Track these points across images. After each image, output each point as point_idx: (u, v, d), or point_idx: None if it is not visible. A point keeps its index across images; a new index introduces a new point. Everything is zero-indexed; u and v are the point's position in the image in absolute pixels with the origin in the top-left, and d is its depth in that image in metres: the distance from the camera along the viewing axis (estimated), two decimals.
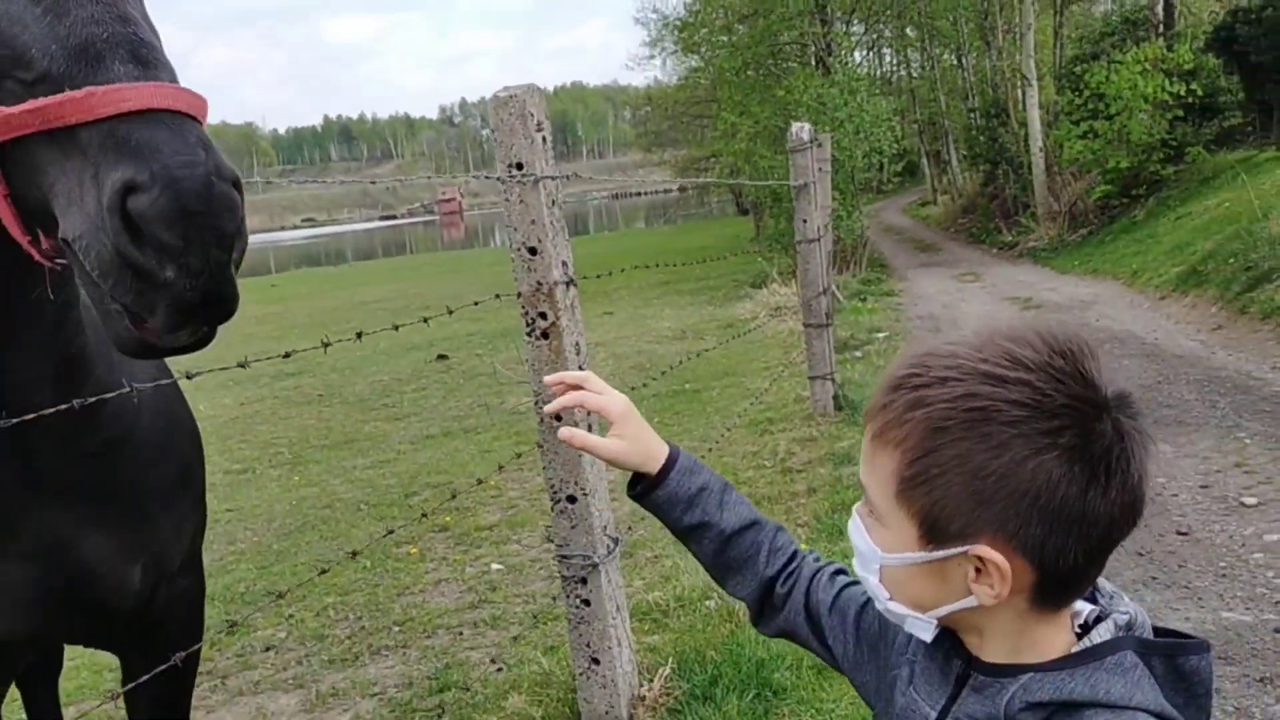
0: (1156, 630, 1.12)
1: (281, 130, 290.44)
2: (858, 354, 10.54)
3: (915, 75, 39.63)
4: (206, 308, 1.24)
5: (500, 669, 4.21)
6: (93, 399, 1.75)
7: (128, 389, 1.82)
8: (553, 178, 3.22)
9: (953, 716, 1.14)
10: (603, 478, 3.41)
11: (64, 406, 1.70)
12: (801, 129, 7.41)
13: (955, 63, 34.21)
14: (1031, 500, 1.02)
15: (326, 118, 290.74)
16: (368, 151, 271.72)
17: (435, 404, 11.69)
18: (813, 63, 27.31)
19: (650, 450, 1.50)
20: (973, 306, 14.18)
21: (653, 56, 51.48)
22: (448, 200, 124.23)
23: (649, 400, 9.69)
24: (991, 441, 1.03)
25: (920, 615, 1.14)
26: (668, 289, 21.14)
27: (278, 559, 6.36)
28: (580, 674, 3.37)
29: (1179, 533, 4.96)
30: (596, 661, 3.33)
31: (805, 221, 7.45)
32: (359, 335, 3.09)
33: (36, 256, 1.40)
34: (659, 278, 22.78)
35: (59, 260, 1.38)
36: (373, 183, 3.89)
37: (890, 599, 1.15)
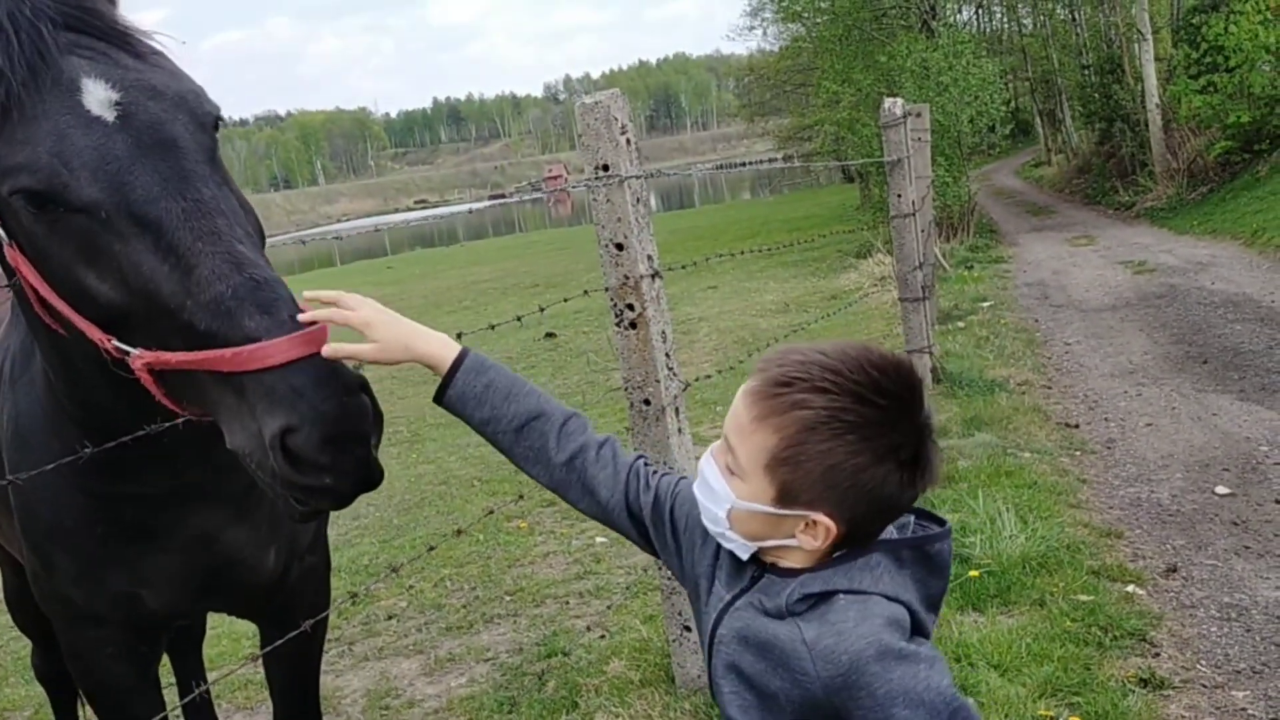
0: (918, 512, 1.53)
1: (393, 114, 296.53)
2: (960, 324, 10.50)
3: (1026, 32, 38.51)
4: (358, 492, 1.57)
5: (603, 636, 4.47)
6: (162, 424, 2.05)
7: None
8: (637, 177, 3.42)
9: (744, 601, 1.51)
10: (690, 457, 3.62)
11: (165, 425, 2.00)
12: (895, 104, 7.44)
13: (1068, 18, 33.14)
14: (868, 493, 1.40)
15: (435, 100, 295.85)
16: (475, 132, 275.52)
17: (543, 381, 12.03)
18: (916, 26, 26.81)
19: (416, 349, 1.72)
20: (1084, 272, 13.91)
21: (754, 26, 51.10)
22: (554, 177, 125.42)
23: (713, 375, 9.84)
24: (851, 447, 1.39)
25: (747, 543, 1.49)
26: (771, 261, 21.14)
27: (398, 533, 6.75)
28: (673, 640, 3.60)
29: (1277, 501, 4.95)
30: (688, 629, 3.55)
31: (900, 196, 7.49)
32: (492, 327, 3.36)
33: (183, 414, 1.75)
34: (764, 250, 22.77)
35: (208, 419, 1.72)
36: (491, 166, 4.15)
37: (730, 529, 1.49)
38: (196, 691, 2.99)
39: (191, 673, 3.74)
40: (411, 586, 5.62)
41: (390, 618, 5.22)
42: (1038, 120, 41.72)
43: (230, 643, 5.13)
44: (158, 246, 1.60)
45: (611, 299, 3.46)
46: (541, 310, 3.73)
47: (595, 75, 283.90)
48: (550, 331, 15.82)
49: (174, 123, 1.70)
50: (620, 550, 5.69)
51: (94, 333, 1.68)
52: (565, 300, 4.27)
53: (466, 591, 5.43)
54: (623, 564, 5.46)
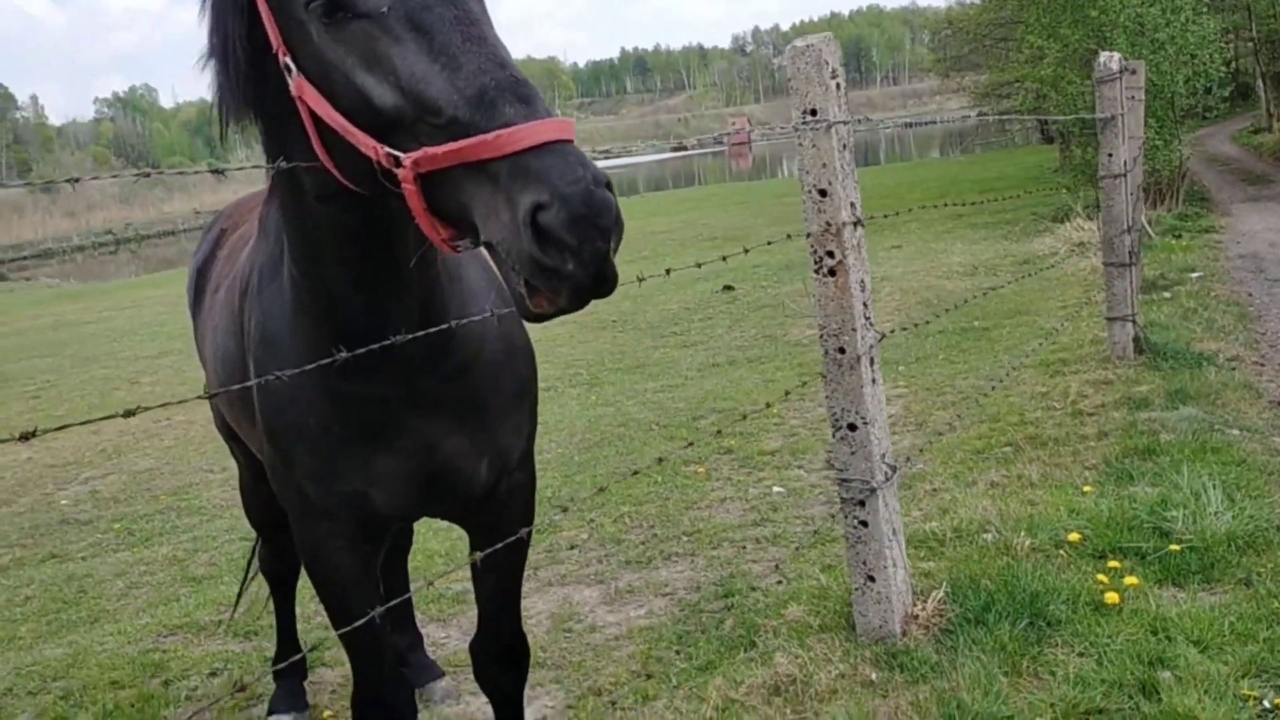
0: None
1: (580, 64, 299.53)
2: (1166, 294, 9.96)
3: None
4: (596, 287, 1.63)
5: (780, 581, 4.51)
6: (441, 326, 2.30)
7: (482, 313, 2.32)
8: (844, 123, 3.39)
9: None
10: (882, 409, 3.60)
11: (421, 333, 2.24)
12: (1110, 58, 7.08)
13: None
14: None
15: (623, 50, 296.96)
16: (660, 83, 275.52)
17: (721, 333, 12.09)
18: None
19: None
20: None
21: None
22: (737, 130, 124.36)
23: (934, 337, 9.64)
24: None
25: None
26: (960, 222, 20.48)
27: (579, 469, 6.95)
28: (856, 589, 3.61)
29: None
30: (872, 579, 3.55)
31: (1111, 156, 7.14)
32: (668, 271, 3.42)
33: (446, 249, 1.84)
34: (951, 210, 22.07)
35: (459, 243, 1.81)
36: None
37: None
38: (409, 595, 3.18)
39: (396, 582, 3.98)
40: (592, 520, 5.79)
41: (572, 548, 5.40)
42: (1260, 83, 38.72)
43: (425, 559, 5.42)
44: (431, 48, 1.73)
45: (812, 245, 3.45)
46: (724, 259, 3.75)
47: (785, 27, 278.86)
48: (728, 284, 15.81)
49: None
50: (798, 500, 5.71)
51: (367, 142, 1.80)
52: (745, 251, 4.27)
53: (645, 529, 5.55)
54: (800, 514, 5.47)
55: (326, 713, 4.01)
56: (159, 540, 6.86)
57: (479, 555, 2.45)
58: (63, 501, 8.27)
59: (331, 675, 4.33)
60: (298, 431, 2.38)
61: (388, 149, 1.77)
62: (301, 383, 2.25)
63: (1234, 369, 7.03)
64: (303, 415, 2.36)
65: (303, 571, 3.96)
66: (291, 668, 4.01)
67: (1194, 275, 11.07)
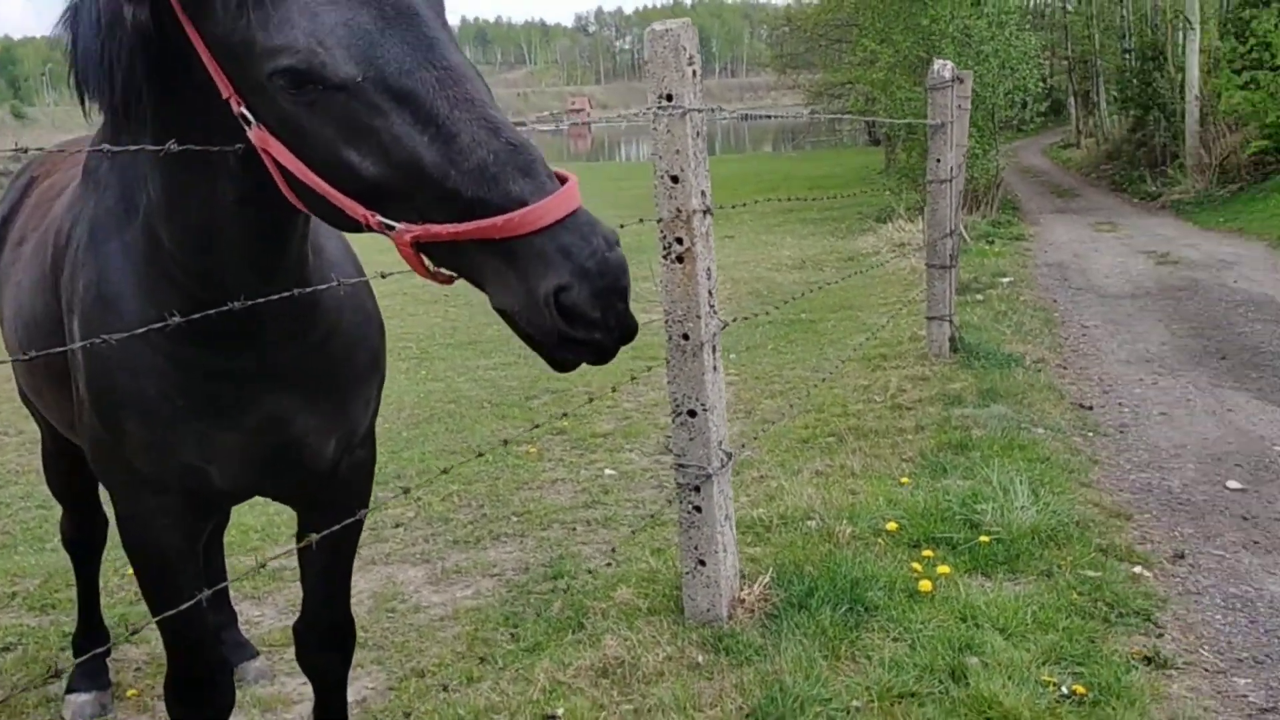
0: None
1: None
2: (979, 297, 10.49)
3: (1069, 9, 37.95)
4: (621, 345, 1.65)
5: (610, 564, 4.52)
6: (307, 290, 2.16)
7: (334, 283, 2.23)
8: (700, 110, 3.40)
9: None
10: (721, 396, 3.65)
11: (286, 294, 2.10)
12: (944, 66, 7.37)
13: None
14: None
15: (463, 19, 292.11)
16: (501, 56, 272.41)
17: None
18: None
19: None
20: (1105, 258, 13.85)
21: None
22: (576, 110, 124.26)
23: (764, 328, 9.85)
24: None
25: None
26: (790, 216, 21.05)
27: (407, 445, 6.79)
28: (686, 573, 3.64)
29: None
30: (703, 563, 3.59)
31: (939, 161, 7.45)
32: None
33: (437, 283, 1.81)
34: (782, 205, 22.66)
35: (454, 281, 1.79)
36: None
37: None
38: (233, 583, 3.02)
39: (214, 558, 3.79)
40: (419, 499, 5.66)
41: (397, 526, 5.27)
42: (1071, 101, 41.26)
43: (239, 534, 5.18)
44: (416, 117, 1.62)
45: (662, 231, 3.45)
46: (622, 227, 3.70)
47: (628, 10, 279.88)
48: None
49: None
50: (629, 483, 5.74)
51: (356, 210, 1.70)
52: (620, 225, 4.24)
53: (474, 509, 5.47)
54: (631, 497, 5.50)
55: (131, 691, 3.79)
56: None
57: (316, 537, 2.33)
58: None
59: (136, 653, 4.09)
60: (131, 401, 2.20)
61: (380, 218, 1.68)
62: (142, 350, 2.09)
63: (1040, 371, 7.46)
64: (140, 384, 2.19)
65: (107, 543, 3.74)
66: (93, 644, 3.77)
67: (1005, 280, 11.70)
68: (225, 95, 1.78)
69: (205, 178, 1.94)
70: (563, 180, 1.64)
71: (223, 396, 2.20)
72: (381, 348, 2.57)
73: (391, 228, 1.67)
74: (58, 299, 2.36)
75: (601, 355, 1.64)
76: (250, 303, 2.00)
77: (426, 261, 1.71)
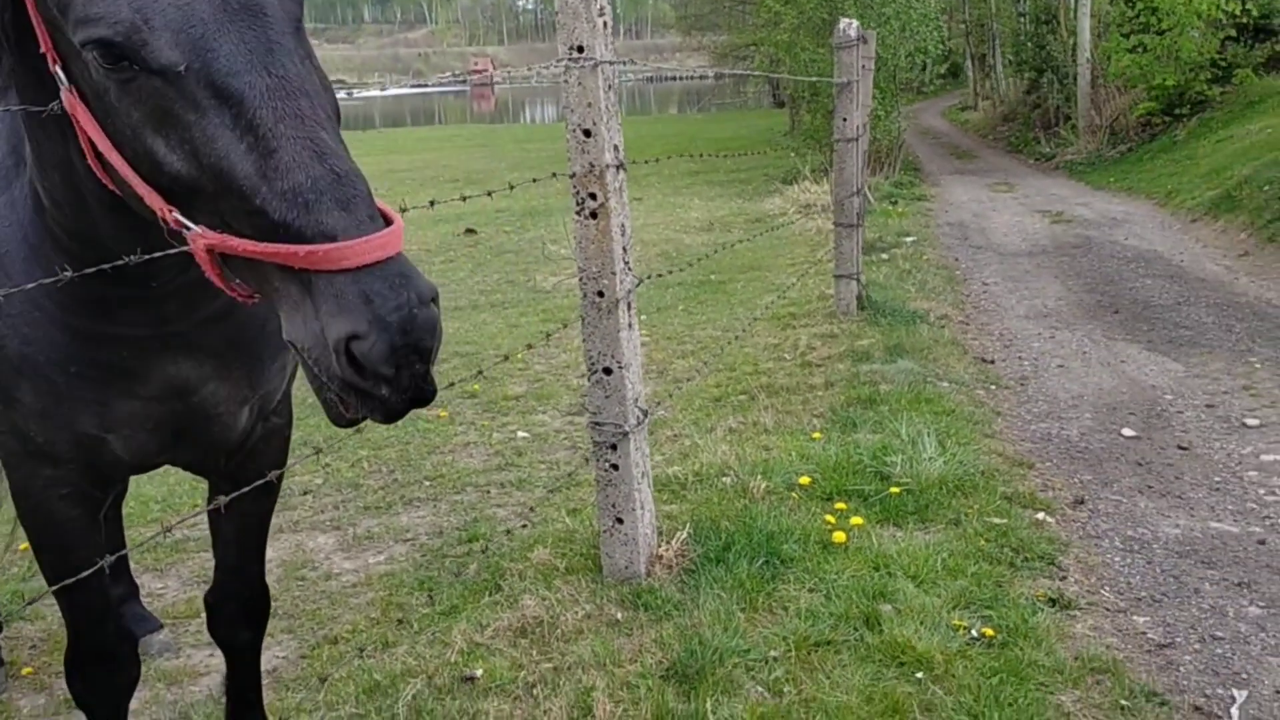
0: None
1: None
2: (884, 256, 10.64)
3: None
4: (412, 407, 1.53)
5: (525, 525, 4.49)
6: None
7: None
8: (611, 63, 3.35)
9: None
10: (637, 354, 3.63)
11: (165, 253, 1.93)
12: (849, 25, 7.41)
13: None
14: None
15: None
16: (400, 15, 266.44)
17: (463, 277, 11.89)
18: None
19: None
20: (1003, 217, 14.18)
21: None
22: (480, 71, 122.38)
23: (674, 289, 9.86)
24: None
25: None
26: (698, 179, 21.07)
27: (312, 411, 6.62)
28: (604, 531, 3.63)
29: (1179, 447, 5.17)
30: (620, 521, 3.59)
31: (845, 120, 7.50)
32: (402, 210, 3.27)
33: (239, 299, 1.70)
34: (689, 167, 22.67)
35: (254, 298, 1.68)
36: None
37: None
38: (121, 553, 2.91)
39: (113, 528, 3.65)
40: (328, 465, 5.55)
41: (305, 493, 5.16)
42: (969, 64, 42.02)
43: (139, 505, 5.02)
44: (236, 123, 1.49)
45: (575, 187, 3.41)
46: (464, 199, 3.66)
47: None
48: (470, 228, 15.56)
49: None
50: (542, 445, 5.70)
51: (154, 200, 1.58)
52: (489, 194, 4.17)
53: (385, 474, 5.38)
54: (545, 459, 5.47)
55: (26, 669, 3.65)
56: None
57: (224, 500, 2.23)
58: None
59: (31, 629, 3.94)
60: (22, 366, 2.07)
61: (179, 215, 1.57)
62: (31, 313, 1.96)
63: (943, 327, 7.61)
64: (30, 350, 2.05)
65: None
66: None
67: (909, 240, 11.90)
68: (41, 49, 1.66)
69: (58, 134, 1.80)
70: (388, 221, 1.53)
71: (120, 364, 2.08)
72: None
73: (188, 228, 1.56)
74: None
75: (388, 414, 1.53)
76: (132, 261, 1.84)
77: (225, 270, 1.60)
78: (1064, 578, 3.80)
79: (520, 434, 5.93)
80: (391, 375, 1.45)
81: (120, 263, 1.83)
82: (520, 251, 13.41)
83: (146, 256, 1.85)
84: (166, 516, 4.91)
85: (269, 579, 4.12)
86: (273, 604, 3.85)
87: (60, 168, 1.86)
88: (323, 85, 1.63)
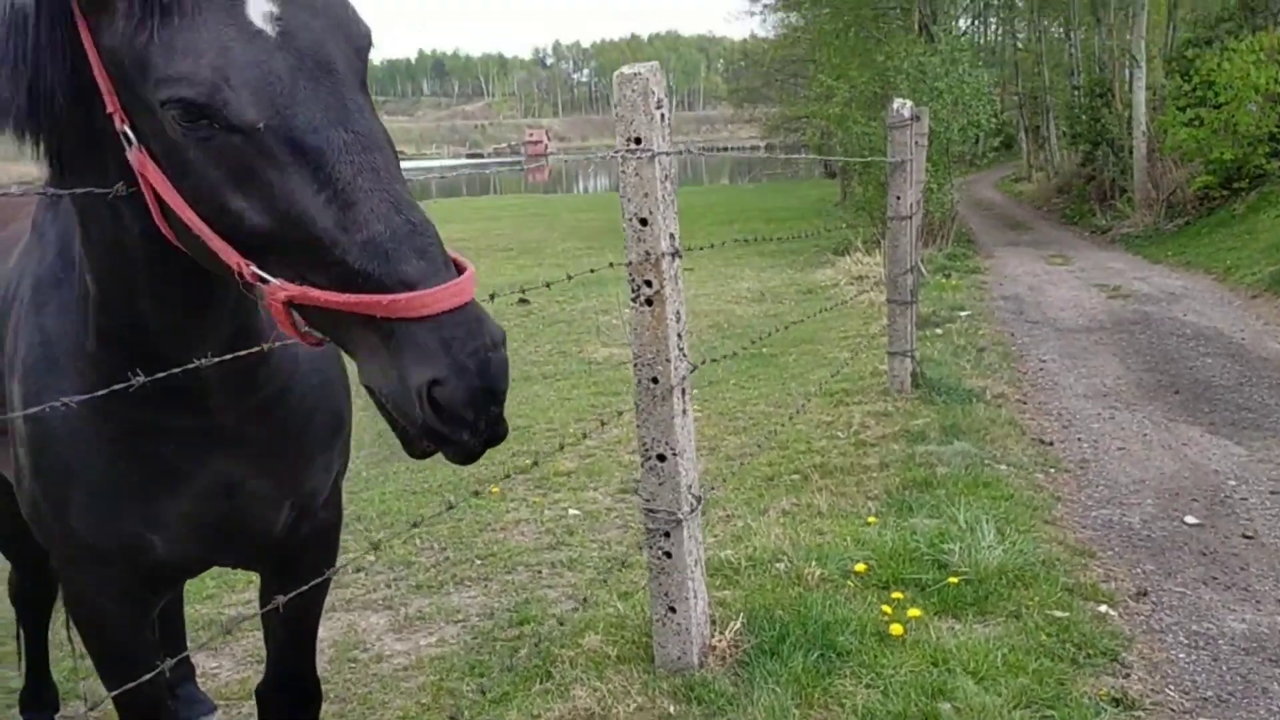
0: None
1: (376, 61, 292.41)
2: (938, 331, 10.57)
3: (1020, 47, 38.75)
4: (487, 448, 1.59)
5: (576, 609, 4.46)
6: (250, 350, 2.05)
7: (276, 344, 2.10)
8: (667, 153, 3.39)
9: None
10: (691, 440, 3.62)
11: (229, 357, 1.98)
12: (903, 105, 7.45)
13: (1063, 37, 33.34)
14: None
15: (421, 51, 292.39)
16: (459, 88, 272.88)
17: (516, 348, 11.98)
18: (916, 28, 26.86)
19: None
20: (1059, 291, 14.04)
21: (752, 11, 50.87)
22: (535, 142, 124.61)
23: (725, 362, 9.86)
24: None
25: None
26: (749, 249, 21.13)
27: (367, 486, 6.69)
28: (657, 620, 3.59)
29: (1245, 536, 5.03)
30: (673, 610, 3.55)
31: (898, 198, 7.51)
32: (492, 296, 3.32)
33: (308, 345, 1.72)
34: (741, 237, 22.81)
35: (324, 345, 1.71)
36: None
37: None
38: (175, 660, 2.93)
39: (172, 616, 3.68)
40: (380, 541, 5.56)
41: (358, 570, 5.17)
42: (1022, 136, 42.03)
43: (194, 582, 5.05)
44: (316, 177, 1.53)
45: (631, 274, 3.43)
46: (569, 278, 3.71)
47: (586, 44, 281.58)
48: (524, 298, 15.73)
49: (333, 44, 1.63)
50: (594, 524, 5.68)
51: (230, 255, 1.61)
52: (591, 271, 4.22)
53: (436, 551, 5.39)
54: (596, 538, 5.45)
55: None
56: None
57: (282, 600, 2.24)
58: None
59: (85, 709, 3.96)
60: (72, 466, 2.10)
61: (255, 269, 1.59)
62: (82, 413, 1.98)
63: (1000, 406, 7.51)
64: (80, 448, 2.09)
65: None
66: (42, 702, 3.66)
67: (963, 314, 11.81)
68: (109, 109, 1.68)
69: (108, 215, 1.82)
70: (460, 269, 1.57)
71: (167, 459, 2.10)
72: (345, 410, 2.46)
73: (265, 281, 1.59)
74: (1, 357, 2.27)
75: (466, 456, 1.58)
76: (200, 362, 1.88)
77: (296, 319, 1.63)
78: (1128, 675, 3.69)
79: (572, 511, 5.92)
80: (471, 419, 1.50)
81: (192, 366, 1.87)
82: (572, 322, 13.52)
83: (217, 359, 1.89)
84: (222, 592, 4.95)
85: (321, 660, 4.13)
86: (325, 686, 3.84)
87: (110, 250, 1.88)
88: (387, 140, 1.67)
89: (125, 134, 1.66)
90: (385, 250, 1.51)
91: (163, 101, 1.56)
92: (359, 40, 1.70)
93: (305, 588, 2.37)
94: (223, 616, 4.69)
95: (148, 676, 2.05)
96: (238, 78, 1.53)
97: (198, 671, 4.03)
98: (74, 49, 1.69)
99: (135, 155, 1.66)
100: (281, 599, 2.16)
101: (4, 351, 2.26)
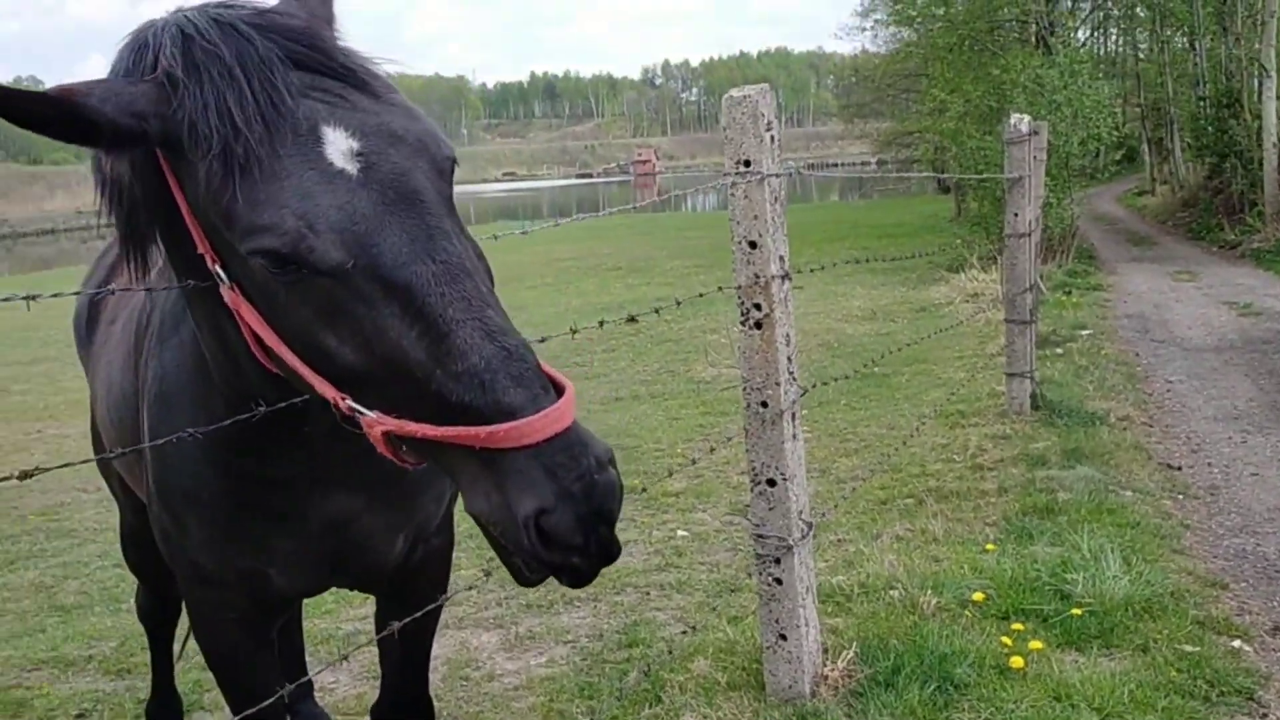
0: None
1: (490, 85, 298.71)
2: (1059, 350, 10.25)
3: (1142, 58, 37.47)
4: (599, 569, 1.56)
5: (685, 632, 4.43)
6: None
7: None
8: (777, 175, 3.36)
9: None
10: (801, 465, 3.57)
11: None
12: (1021, 121, 7.26)
13: (1187, 47, 32.09)
14: None
15: (532, 74, 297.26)
16: (569, 109, 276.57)
17: (624, 366, 12.04)
18: (1033, 41, 26.23)
19: None
20: (1186, 308, 13.49)
21: (864, 28, 50.43)
22: (643, 161, 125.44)
23: (836, 382, 9.73)
24: None
25: None
26: (860, 266, 20.82)
27: None
28: (767, 648, 3.54)
29: None
30: (784, 638, 3.50)
31: (1016, 215, 7.32)
32: (573, 332, 3.33)
33: (401, 463, 1.69)
34: (851, 254, 22.54)
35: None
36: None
37: None
38: (296, 682, 3.00)
39: (291, 634, 3.78)
40: (491, 559, 5.61)
41: (470, 588, 5.23)
42: (1145, 148, 40.60)
43: (313, 601, 5.18)
44: (406, 312, 1.52)
45: (740, 298, 3.41)
46: (678, 303, 3.70)
47: (694, 63, 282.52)
48: (632, 316, 15.77)
49: (416, 172, 1.61)
50: (702, 546, 5.65)
51: (326, 390, 1.62)
52: (700, 295, 4.21)
53: None
54: (705, 560, 5.41)
55: None
56: (25, 564, 6.46)
57: (397, 626, 2.27)
58: None
59: None
60: (190, 501, 2.17)
61: (351, 403, 1.59)
62: (196, 454, 2.04)
63: (1125, 429, 7.24)
64: (195, 486, 2.15)
65: None
66: (167, 715, 3.79)
67: (1084, 333, 11.43)
68: (200, 250, 1.69)
69: (212, 300, 1.81)
70: (559, 389, 1.54)
71: (278, 503, 2.15)
72: None
73: (361, 414, 1.58)
74: (138, 384, 2.37)
75: (578, 580, 1.55)
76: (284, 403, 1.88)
77: (396, 444, 1.62)
78: (1264, 715, 3.49)
79: (680, 532, 5.90)
80: (581, 544, 1.48)
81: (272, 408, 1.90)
82: (680, 341, 13.51)
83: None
84: (340, 608, 5.06)
85: (434, 677, 4.19)
86: (438, 704, 3.90)
87: (215, 331, 1.90)
88: (478, 256, 1.66)
89: (218, 273, 1.69)
90: (482, 381, 1.49)
91: (249, 252, 1.56)
92: (442, 163, 1.68)
93: (419, 613, 2.40)
94: (340, 631, 4.80)
95: (269, 701, 2.09)
96: (322, 223, 1.52)
97: (315, 686, 4.12)
98: (166, 200, 1.73)
99: (228, 293, 1.68)
100: (397, 625, 2.18)
101: (139, 378, 2.35)
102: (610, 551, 1.53)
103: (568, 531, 1.46)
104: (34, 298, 1.90)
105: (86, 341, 3.29)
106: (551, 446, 1.47)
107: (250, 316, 1.66)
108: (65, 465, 1.89)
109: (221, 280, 1.68)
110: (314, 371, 1.62)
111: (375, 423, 1.57)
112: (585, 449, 1.49)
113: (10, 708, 4.26)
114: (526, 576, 1.56)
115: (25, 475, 1.62)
